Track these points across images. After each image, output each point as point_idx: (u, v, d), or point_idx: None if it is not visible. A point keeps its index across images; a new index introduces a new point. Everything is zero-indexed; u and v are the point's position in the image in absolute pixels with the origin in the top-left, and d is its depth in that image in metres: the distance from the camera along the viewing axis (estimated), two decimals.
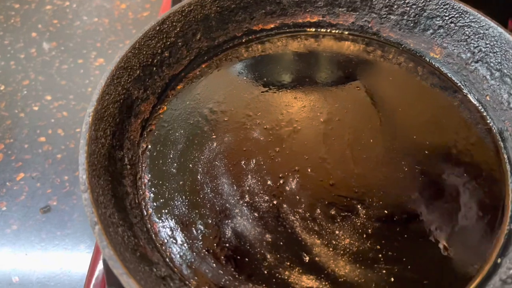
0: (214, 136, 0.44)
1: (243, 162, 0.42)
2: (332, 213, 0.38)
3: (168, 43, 0.47)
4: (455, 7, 0.47)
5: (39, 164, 0.61)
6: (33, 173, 0.60)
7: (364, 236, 0.37)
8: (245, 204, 0.39)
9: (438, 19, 0.49)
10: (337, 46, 0.53)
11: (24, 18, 0.81)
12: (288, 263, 0.36)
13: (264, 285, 0.35)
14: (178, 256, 0.37)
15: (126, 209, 0.38)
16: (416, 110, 0.46)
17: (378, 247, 0.37)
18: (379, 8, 0.52)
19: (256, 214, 0.39)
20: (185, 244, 0.37)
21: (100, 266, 0.45)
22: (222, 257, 0.37)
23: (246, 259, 0.36)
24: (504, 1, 0.58)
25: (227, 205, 0.39)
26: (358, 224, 0.38)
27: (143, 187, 0.41)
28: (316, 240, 0.37)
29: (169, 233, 0.38)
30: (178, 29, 0.48)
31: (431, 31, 0.50)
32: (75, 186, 0.59)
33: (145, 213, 0.39)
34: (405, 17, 0.51)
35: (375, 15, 0.52)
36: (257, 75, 0.50)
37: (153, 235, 0.38)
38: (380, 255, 0.36)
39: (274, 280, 0.35)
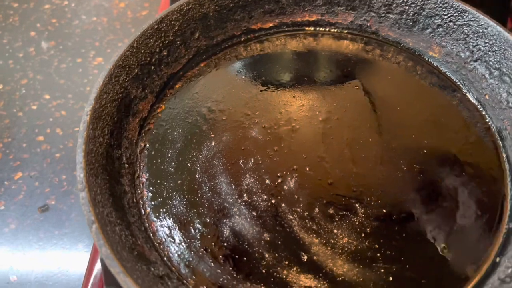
0: (212, 135, 0.44)
1: (241, 161, 0.42)
2: (331, 212, 0.38)
3: (167, 42, 0.47)
4: (454, 5, 0.47)
5: (38, 163, 0.61)
6: (31, 172, 0.60)
7: (363, 235, 0.37)
8: (243, 203, 0.39)
9: (437, 18, 0.49)
10: (336, 45, 0.53)
11: (23, 17, 0.81)
12: (286, 262, 0.36)
13: (262, 284, 0.35)
14: (176, 255, 0.37)
15: (124, 208, 0.38)
16: (415, 109, 0.46)
17: (377, 246, 0.37)
18: (378, 7, 0.52)
19: (254, 213, 0.39)
20: (183, 243, 0.37)
21: (98, 266, 0.44)
22: (220, 256, 0.36)
23: (244, 258, 0.36)
24: (504, 0, 0.57)
25: (225, 204, 0.39)
26: (357, 223, 0.38)
27: (141, 186, 0.41)
28: (314, 239, 0.37)
29: (167, 232, 0.38)
30: (176, 28, 0.48)
31: (430, 30, 0.50)
32: (73, 185, 0.59)
33: (143, 212, 0.39)
34: (404, 16, 0.51)
35: (374, 14, 0.52)
36: (256, 74, 0.50)
37: (151, 234, 0.38)
38: (378, 254, 0.36)
39: (272, 279, 0.35)
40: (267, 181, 0.40)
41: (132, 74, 0.44)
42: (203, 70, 0.50)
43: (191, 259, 0.37)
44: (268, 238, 0.37)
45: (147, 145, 0.44)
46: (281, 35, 0.54)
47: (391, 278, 0.35)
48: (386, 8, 0.51)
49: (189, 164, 0.42)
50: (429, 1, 0.48)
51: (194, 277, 0.36)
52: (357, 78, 0.49)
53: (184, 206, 0.39)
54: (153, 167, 0.42)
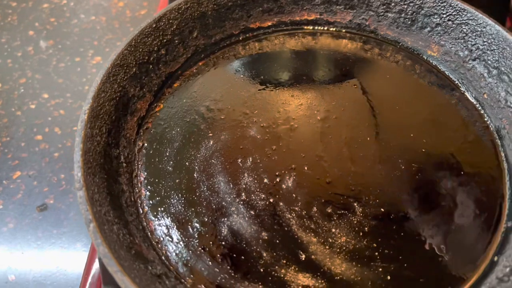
0: (210, 134, 0.44)
1: (239, 160, 0.42)
2: (329, 211, 0.38)
3: (165, 40, 0.47)
4: (452, 4, 0.47)
5: (36, 162, 0.61)
6: (29, 172, 0.60)
7: (361, 234, 0.37)
8: (242, 202, 0.39)
9: (435, 16, 0.49)
10: (334, 44, 0.53)
11: (21, 16, 0.81)
12: (284, 261, 0.36)
13: (260, 283, 0.35)
14: (174, 254, 0.37)
15: (122, 207, 0.38)
16: (413, 108, 0.46)
17: (375, 245, 0.37)
18: (377, 6, 0.52)
19: (252, 212, 0.38)
20: (181, 242, 0.37)
21: (96, 265, 0.44)
22: (218, 255, 0.36)
23: (242, 257, 0.36)
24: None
25: (223, 203, 0.39)
26: (355, 222, 0.38)
27: (139, 185, 0.41)
28: (312, 238, 0.37)
29: (165, 231, 0.38)
30: (174, 27, 0.48)
31: (428, 29, 0.50)
32: (72, 185, 0.59)
33: (141, 211, 0.39)
34: (403, 15, 0.51)
35: (373, 13, 0.52)
36: (254, 73, 0.50)
37: (149, 233, 0.38)
38: (376, 253, 0.36)
39: (270, 278, 0.35)
40: (265, 180, 0.40)
41: (130, 73, 0.44)
42: (202, 69, 0.50)
43: (189, 258, 0.37)
44: (266, 237, 0.37)
45: (145, 144, 0.44)
46: (280, 34, 0.54)
47: (389, 277, 0.35)
48: (384, 7, 0.51)
49: (187, 163, 0.42)
50: (428, 0, 0.48)
51: (192, 276, 0.36)
52: (355, 77, 0.49)
53: (182, 205, 0.39)
54: (151, 166, 0.42)
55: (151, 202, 0.40)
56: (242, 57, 0.51)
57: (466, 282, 0.35)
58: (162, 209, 0.39)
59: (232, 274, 0.35)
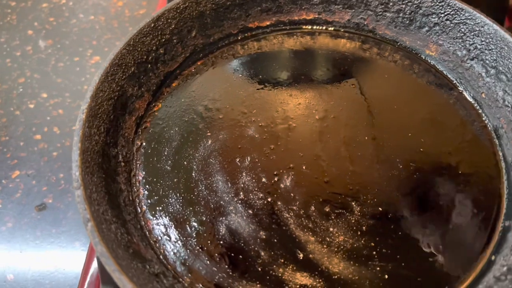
0: (209, 134, 0.44)
1: (237, 160, 0.42)
2: (327, 210, 0.38)
3: (163, 40, 0.47)
4: (450, 4, 0.47)
5: (35, 162, 0.61)
6: (28, 171, 0.60)
7: (358, 233, 0.37)
8: (240, 202, 0.39)
9: (433, 16, 0.49)
10: (333, 43, 0.53)
11: (20, 16, 0.81)
12: (282, 260, 0.36)
13: (258, 282, 0.35)
14: (172, 253, 0.37)
15: (120, 206, 0.38)
16: (411, 107, 0.46)
17: (372, 244, 0.37)
18: (375, 6, 0.52)
19: (250, 212, 0.39)
20: (179, 241, 0.37)
21: (95, 264, 0.44)
22: (216, 254, 0.36)
23: (240, 257, 0.36)
24: None
25: (221, 202, 0.39)
26: (353, 221, 0.38)
27: (137, 184, 0.41)
28: (310, 237, 0.37)
29: (163, 230, 0.38)
30: (173, 26, 0.48)
31: (426, 28, 0.50)
32: (70, 184, 0.59)
33: (139, 210, 0.39)
34: (401, 15, 0.51)
35: (371, 12, 0.52)
36: (253, 73, 0.50)
37: (147, 232, 0.38)
38: (374, 253, 0.36)
39: (268, 277, 0.35)
40: (263, 180, 0.40)
41: (128, 72, 0.44)
42: (200, 68, 0.50)
43: (187, 257, 0.37)
44: (264, 236, 0.37)
45: (144, 144, 0.44)
46: (278, 34, 0.54)
47: (386, 276, 0.35)
48: (383, 6, 0.51)
49: (185, 163, 0.42)
50: (426, 0, 0.48)
51: (190, 275, 0.36)
52: (354, 76, 0.49)
53: (180, 204, 0.39)
54: (150, 165, 0.42)
55: (149, 201, 0.40)
56: (241, 57, 0.51)
57: (463, 281, 0.35)
58: (160, 208, 0.39)
59: (230, 273, 0.36)
